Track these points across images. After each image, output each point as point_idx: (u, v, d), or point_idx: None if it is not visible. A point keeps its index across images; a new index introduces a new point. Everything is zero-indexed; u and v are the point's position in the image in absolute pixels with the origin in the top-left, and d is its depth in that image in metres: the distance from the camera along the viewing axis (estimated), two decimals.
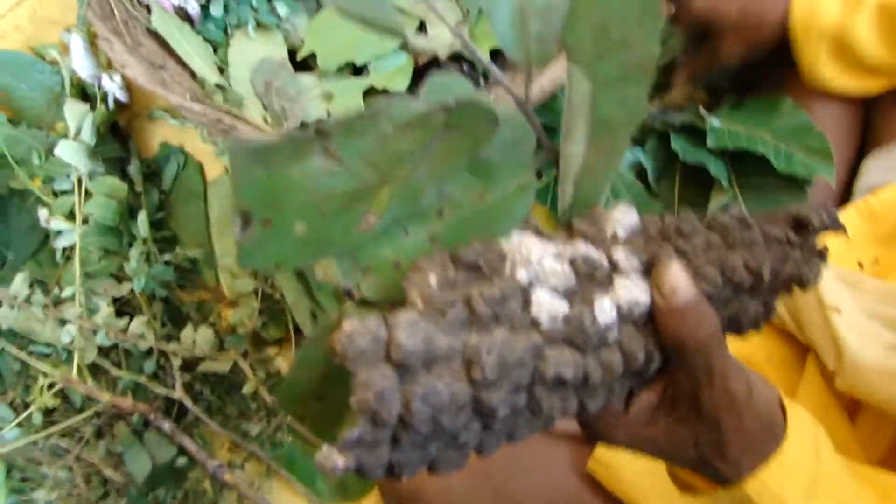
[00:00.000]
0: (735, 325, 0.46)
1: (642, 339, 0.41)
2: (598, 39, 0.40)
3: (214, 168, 1.11)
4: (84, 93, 1.02)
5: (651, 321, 0.42)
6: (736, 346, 0.81)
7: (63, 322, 1.00)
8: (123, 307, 1.07)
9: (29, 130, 1.00)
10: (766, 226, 0.45)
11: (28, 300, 0.99)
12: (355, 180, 0.37)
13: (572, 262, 0.41)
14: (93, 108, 0.99)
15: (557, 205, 0.45)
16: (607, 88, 0.42)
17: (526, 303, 0.39)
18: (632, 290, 0.41)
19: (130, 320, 1.04)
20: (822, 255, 0.46)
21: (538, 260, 0.40)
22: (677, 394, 0.44)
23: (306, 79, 1.00)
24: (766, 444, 0.46)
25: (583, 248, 0.41)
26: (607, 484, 0.76)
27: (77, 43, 0.96)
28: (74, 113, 0.97)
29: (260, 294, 1.10)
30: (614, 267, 0.42)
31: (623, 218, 0.43)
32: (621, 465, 0.70)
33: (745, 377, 0.44)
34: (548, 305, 0.38)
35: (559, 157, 0.43)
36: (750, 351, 0.83)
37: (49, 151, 0.99)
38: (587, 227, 0.43)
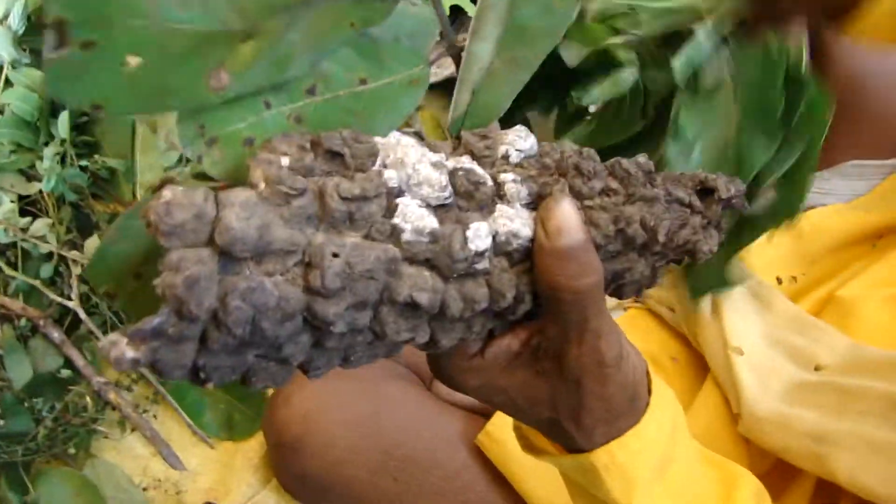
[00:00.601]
0: (618, 286, 0.42)
1: (515, 276, 0.37)
2: None
3: None
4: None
5: (528, 259, 0.37)
6: (640, 344, 0.79)
7: None
8: (29, 206, 1.01)
9: None
10: (671, 184, 0.41)
11: None
12: (213, 20, 0.31)
13: (452, 175, 0.35)
14: None
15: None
16: None
17: (390, 210, 0.33)
18: (513, 220, 0.36)
19: (34, 220, 0.98)
20: (720, 228, 0.43)
21: (413, 164, 0.34)
22: (542, 345, 0.40)
23: None
24: (625, 416, 0.42)
25: (467, 163, 0.36)
26: (494, 460, 0.74)
27: None
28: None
29: None
30: (499, 191, 0.36)
31: (519, 140, 0.38)
32: (511, 443, 0.67)
33: (619, 342, 0.40)
34: (414, 216, 0.33)
35: (461, 56, 0.37)
36: (655, 349, 0.81)
37: None
38: (477, 142, 0.38)
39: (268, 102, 0.36)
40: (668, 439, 0.45)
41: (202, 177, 0.36)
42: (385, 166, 0.34)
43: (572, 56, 0.78)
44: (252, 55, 0.33)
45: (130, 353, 0.28)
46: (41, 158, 0.97)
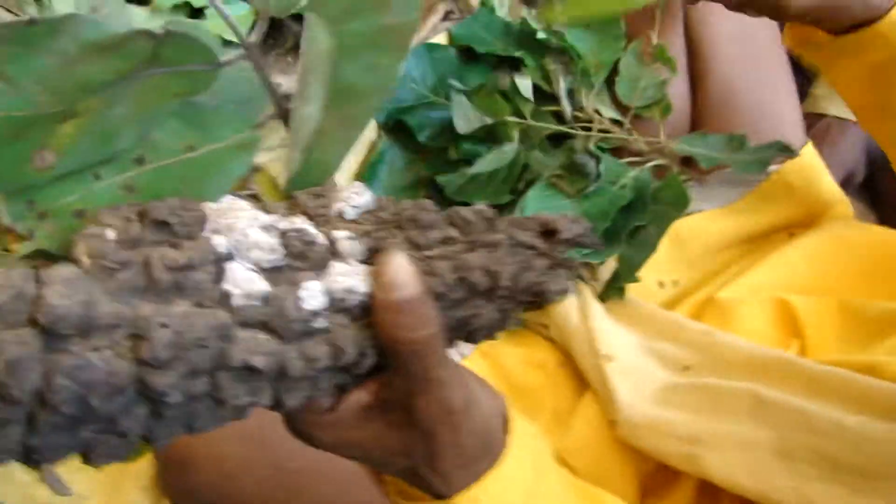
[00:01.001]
0: (467, 331, 0.43)
1: (356, 332, 0.37)
2: None
3: None
4: None
5: (368, 314, 0.38)
6: (531, 350, 0.81)
7: None
8: None
9: None
10: (513, 229, 0.42)
11: None
12: (28, 105, 0.31)
13: (284, 237, 0.36)
14: None
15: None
16: (355, 51, 0.38)
17: (219, 276, 0.34)
18: (348, 277, 0.37)
19: None
20: (569, 268, 0.44)
21: (243, 228, 0.35)
22: (391, 397, 0.40)
23: (138, 12, 0.90)
24: (482, 459, 0.43)
25: (299, 224, 0.37)
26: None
27: None
28: None
29: None
30: (333, 249, 0.37)
31: (354, 197, 0.39)
32: None
33: (466, 388, 0.41)
34: (244, 281, 0.34)
35: (289, 117, 0.38)
36: (544, 356, 0.82)
37: None
38: (311, 201, 0.39)
39: (97, 174, 0.36)
40: (531, 477, 0.46)
41: (40, 254, 0.36)
42: (215, 233, 0.34)
43: (466, 125, 0.83)
44: (74, 133, 0.33)
45: None
46: None
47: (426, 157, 0.89)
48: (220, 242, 0.34)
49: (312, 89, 0.38)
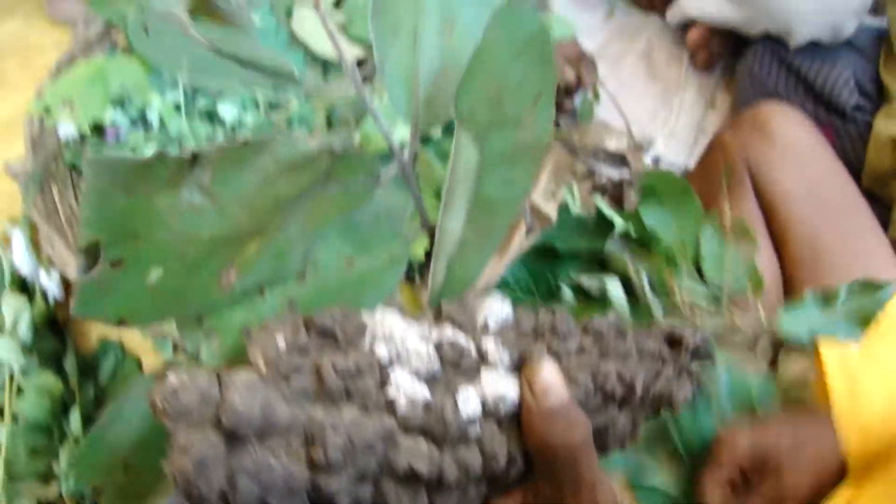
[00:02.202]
0: (601, 440, 0.43)
1: (505, 439, 0.38)
2: (492, 111, 0.39)
3: (154, 363, 1.06)
4: (24, 285, 0.97)
5: (516, 421, 0.38)
6: None
7: None
8: None
9: None
10: (640, 338, 0.43)
11: None
12: (227, 224, 0.34)
13: (438, 347, 0.37)
14: (31, 302, 0.94)
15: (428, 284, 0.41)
16: (495, 165, 0.41)
17: (383, 382, 0.35)
18: (499, 385, 0.38)
19: None
20: (693, 376, 0.45)
21: (401, 338, 0.36)
22: (538, 503, 0.40)
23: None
24: None
25: (450, 334, 0.38)
26: None
27: (18, 239, 0.94)
28: (12, 308, 0.94)
29: None
30: (482, 358, 0.38)
31: (495, 308, 0.41)
32: None
33: (614, 495, 0.41)
34: (407, 388, 0.35)
35: (435, 231, 0.40)
36: None
37: None
38: (457, 312, 0.40)
39: (262, 290, 0.38)
40: None
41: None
42: (375, 341, 0.36)
43: None
44: (257, 252, 0.35)
45: None
46: (57, 459, 0.96)
47: None
48: (382, 350, 0.35)
49: (458, 202, 0.40)
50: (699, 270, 0.91)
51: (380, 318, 0.37)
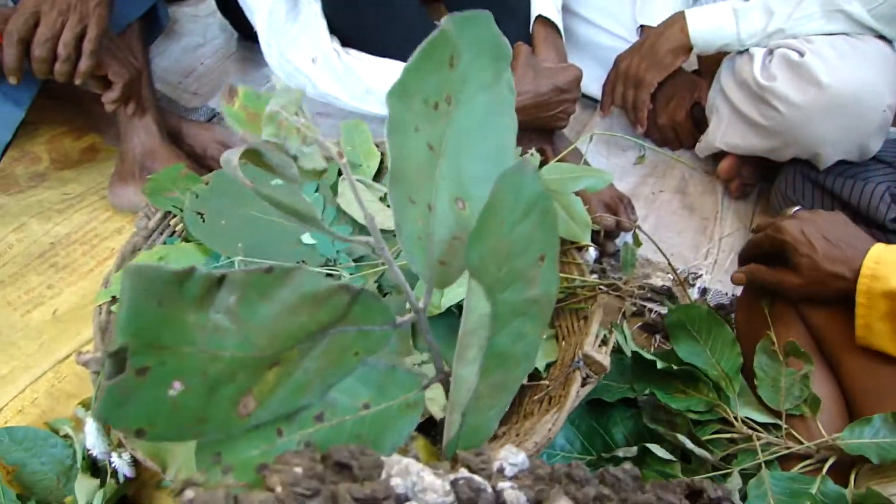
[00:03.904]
0: None
1: None
2: (501, 267, 0.42)
3: None
4: (95, 466, 1.02)
5: None
6: None
7: None
8: None
9: None
10: (660, 490, 0.44)
11: None
12: (248, 347, 0.36)
13: (454, 484, 0.38)
14: (102, 483, 0.99)
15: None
16: (506, 318, 0.44)
17: None
18: None
19: None
20: None
21: (417, 472, 0.37)
22: None
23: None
24: None
25: (466, 473, 0.39)
26: None
27: (91, 425, 1.00)
28: (84, 489, 0.94)
29: None
30: (499, 498, 0.39)
31: (511, 456, 0.42)
32: None
33: None
34: None
35: (450, 379, 0.43)
36: None
37: None
38: (472, 458, 0.41)
39: (280, 430, 0.40)
40: None
41: None
42: (390, 474, 0.37)
43: None
44: (275, 382, 0.38)
45: None
46: None
47: None
48: (398, 483, 0.37)
49: (471, 353, 0.42)
50: (756, 394, 0.89)
51: (396, 460, 0.39)
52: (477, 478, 0.39)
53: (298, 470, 0.36)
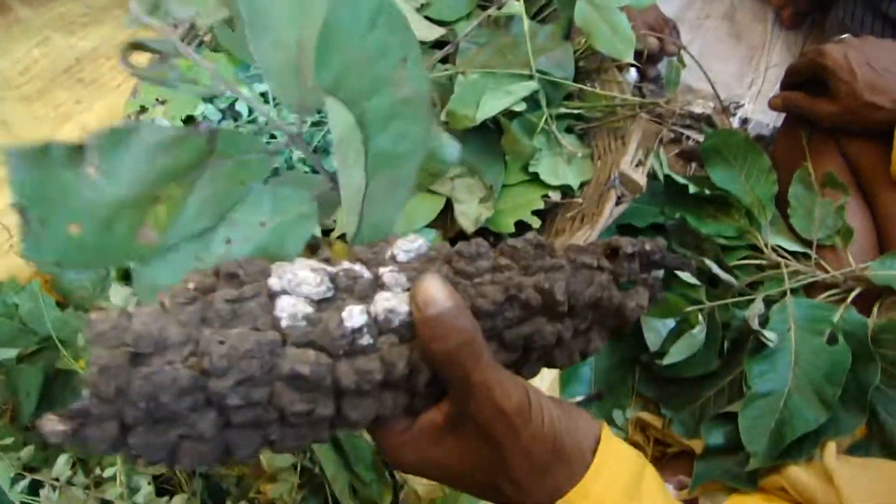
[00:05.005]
0: (541, 352, 0.47)
1: (407, 350, 0.43)
2: (361, 75, 0.45)
3: None
4: (127, 274, 1.08)
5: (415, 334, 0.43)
6: None
7: (104, 502, 1.00)
8: (164, 485, 1.08)
9: (75, 313, 1.05)
10: (575, 252, 0.47)
11: (70, 481, 0.99)
12: (123, 191, 0.42)
13: (333, 277, 0.43)
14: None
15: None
16: (383, 123, 0.47)
17: (271, 306, 0.41)
18: (390, 301, 0.43)
19: (171, 498, 1.03)
20: (647, 285, 0.48)
21: (293, 269, 0.43)
22: (457, 412, 0.45)
23: None
24: (556, 468, 0.45)
25: (347, 265, 0.44)
26: None
27: None
28: (119, 296, 1.00)
29: (299, 468, 1.07)
30: (379, 282, 0.44)
31: (406, 244, 0.46)
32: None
33: (520, 393, 0.44)
34: (289, 306, 0.42)
35: (339, 187, 0.47)
36: None
37: None
38: (364, 251, 0.46)
39: (199, 257, 0.46)
40: (623, 497, 0.47)
41: None
42: (270, 275, 0.43)
43: (655, 339, 0.88)
44: (166, 214, 0.44)
45: (59, 427, 0.37)
46: None
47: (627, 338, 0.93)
48: (274, 281, 0.42)
49: (349, 158, 0.46)
50: (788, 224, 0.91)
51: (280, 262, 0.44)
52: (356, 267, 0.44)
53: (191, 285, 0.42)
